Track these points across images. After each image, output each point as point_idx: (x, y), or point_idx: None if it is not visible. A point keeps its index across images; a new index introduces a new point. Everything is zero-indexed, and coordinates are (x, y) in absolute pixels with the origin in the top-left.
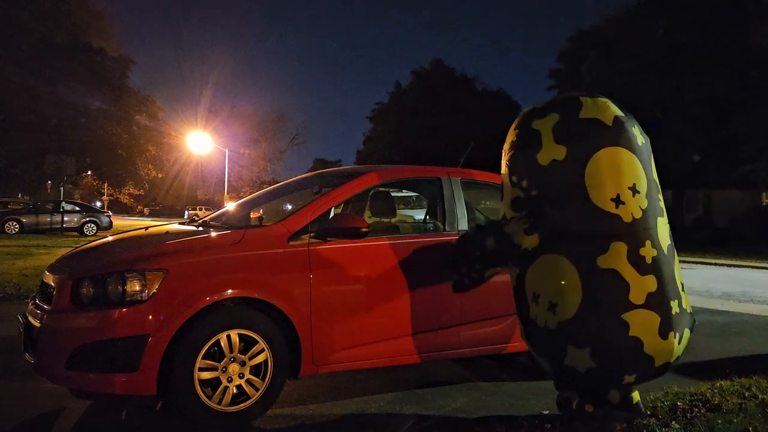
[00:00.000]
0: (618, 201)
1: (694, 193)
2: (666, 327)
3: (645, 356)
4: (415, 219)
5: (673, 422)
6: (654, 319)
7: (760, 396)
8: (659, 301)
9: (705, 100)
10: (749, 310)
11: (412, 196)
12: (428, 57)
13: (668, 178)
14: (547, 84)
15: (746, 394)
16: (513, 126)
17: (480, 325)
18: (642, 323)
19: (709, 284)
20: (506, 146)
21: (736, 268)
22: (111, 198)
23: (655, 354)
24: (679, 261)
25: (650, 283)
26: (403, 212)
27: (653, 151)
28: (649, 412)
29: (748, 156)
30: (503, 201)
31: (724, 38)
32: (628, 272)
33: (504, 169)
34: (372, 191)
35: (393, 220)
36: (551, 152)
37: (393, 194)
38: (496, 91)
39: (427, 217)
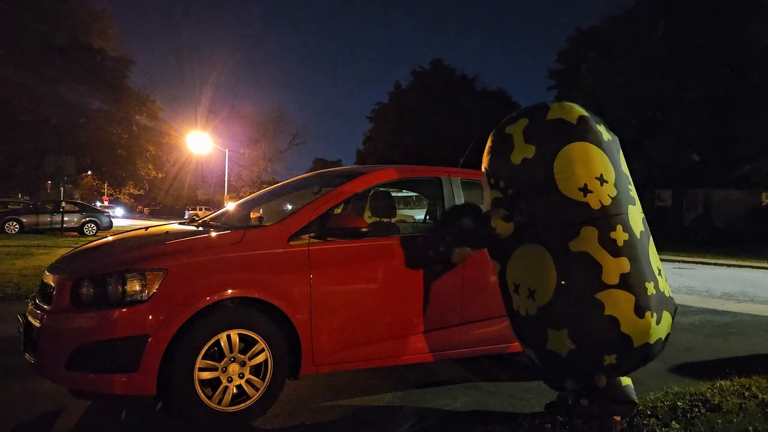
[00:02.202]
0: (586, 190)
1: (694, 193)
2: (642, 307)
3: (622, 335)
4: (415, 219)
5: (673, 422)
6: (629, 298)
7: (760, 396)
8: (634, 282)
9: (705, 99)
10: (749, 310)
11: (412, 196)
12: (428, 57)
13: (668, 178)
14: (547, 84)
15: (746, 394)
16: (491, 135)
17: (480, 325)
18: (616, 302)
19: (708, 284)
20: (485, 154)
21: (736, 268)
22: (111, 198)
23: (633, 333)
24: (680, 261)
25: (623, 264)
26: (403, 212)
27: (652, 152)
28: (649, 412)
29: (747, 156)
30: (484, 204)
31: (724, 38)
32: (600, 254)
33: (483, 173)
34: (372, 191)
35: (393, 220)
36: (522, 151)
37: (393, 194)
38: (496, 91)
39: (427, 217)
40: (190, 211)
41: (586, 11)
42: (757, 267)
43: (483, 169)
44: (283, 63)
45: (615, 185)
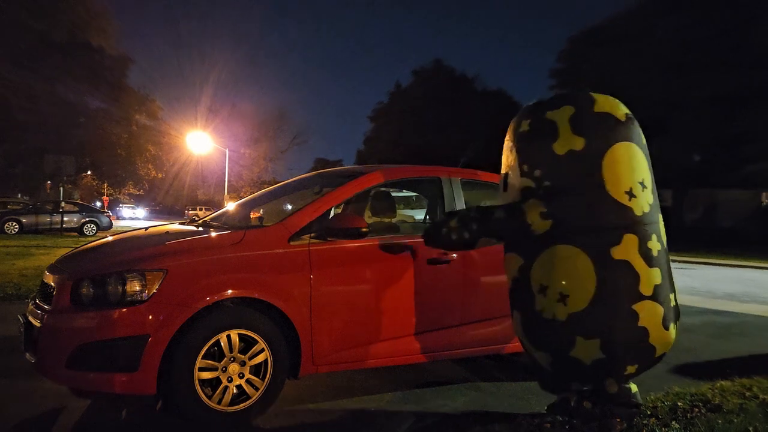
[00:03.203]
0: (631, 194)
1: (696, 193)
2: (667, 319)
3: (649, 347)
4: (415, 219)
5: (674, 422)
6: (659, 310)
7: (760, 396)
8: (662, 293)
9: (710, 99)
10: (751, 311)
11: (412, 196)
12: (429, 57)
13: (671, 177)
14: (548, 84)
15: (747, 394)
16: (520, 118)
17: (480, 326)
18: (649, 314)
19: (711, 284)
20: (514, 137)
21: (739, 269)
22: (111, 198)
23: (658, 345)
24: (682, 261)
25: (656, 275)
26: (403, 212)
27: (655, 151)
28: (649, 412)
29: (751, 156)
30: (506, 192)
31: (730, 36)
32: (639, 264)
33: (511, 159)
34: (372, 191)
35: (393, 220)
36: (569, 143)
37: (393, 194)
38: (497, 91)
39: (427, 217)
40: (190, 211)
41: (587, 11)
42: (759, 267)
43: (510, 154)
44: (283, 62)
45: (652, 191)
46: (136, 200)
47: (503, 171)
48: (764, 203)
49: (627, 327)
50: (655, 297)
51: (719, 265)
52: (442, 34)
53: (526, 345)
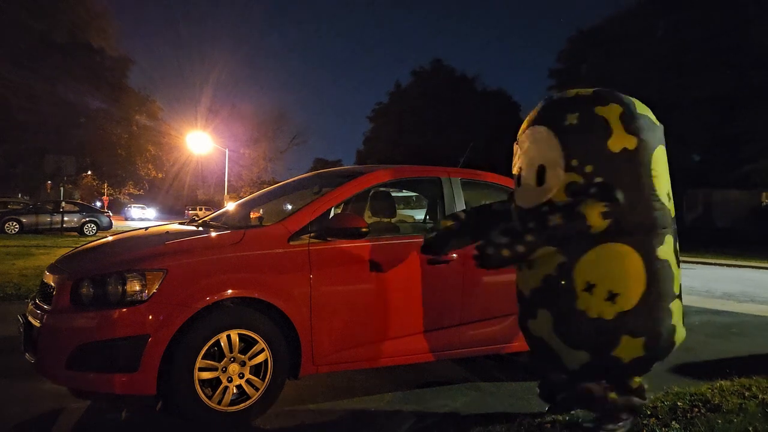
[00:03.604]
0: (669, 196)
1: (694, 192)
2: (683, 316)
3: (672, 343)
4: (415, 219)
5: (673, 422)
6: (682, 308)
7: (760, 396)
8: (681, 292)
9: (707, 99)
10: (750, 310)
11: (412, 196)
12: (428, 57)
13: (670, 177)
14: (547, 84)
15: (746, 394)
16: (562, 110)
17: (480, 326)
18: (677, 312)
19: (709, 284)
20: (555, 129)
21: (737, 268)
22: (111, 198)
23: (678, 341)
24: (681, 261)
25: (680, 274)
26: (403, 212)
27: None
28: (649, 412)
29: (749, 156)
30: (541, 186)
31: (728, 37)
32: (673, 263)
33: (551, 152)
34: (372, 191)
35: (393, 220)
36: (623, 140)
37: (393, 194)
38: (496, 91)
39: (427, 217)
40: (190, 211)
41: (586, 11)
42: (757, 267)
43: (547, 145)
44: (283, 62)
45: (672, 197)
46: (146, 200)
47: (535, 164)
48: (764, 203)
49: (667, 325)
50: (680, 295)
51: (718, 264)
52: (441, 34)
53: (555, 345)
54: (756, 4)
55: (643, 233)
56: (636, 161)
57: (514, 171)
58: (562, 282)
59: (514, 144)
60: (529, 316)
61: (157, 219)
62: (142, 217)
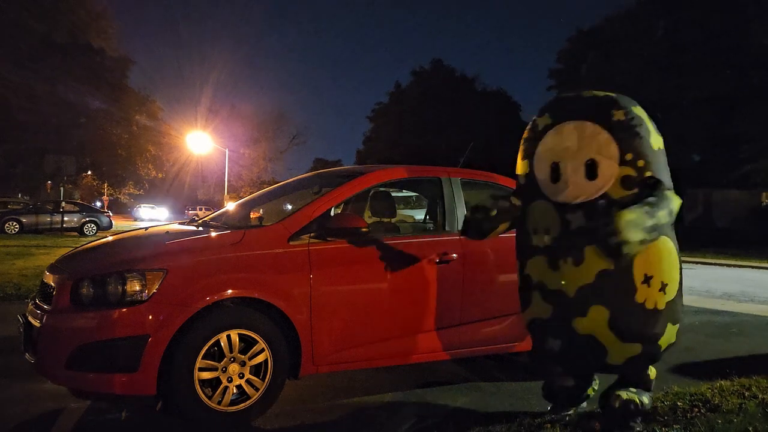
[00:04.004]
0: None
1: (694, 192)
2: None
3: None
4: (415, 219)
5: (673, 422)
6: None
7: (760, 396)
8: None
9: (706, 99)
10: (749, 310)
11: (412, 196)
12: (428, 57)
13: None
14: (547, 84)
15: (746, 394)
16: (608, 107)
17: (480, 326)
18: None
19: (709, 284)
20: (608, 125)
21: (737, 268)
22: (111, 198)
23: None
24: (681, 261)
25: None
26: (403, 212)
27: None
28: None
29: (748, 156)
30: (592, 181)
31: (726, 38)
32: None
33: (604, 146)
34: (372, 191)
35: (393, 220)
36: (657, 140)
37: (393, 194)
38: (496, 91)
39: (427, 217)
40: (190, 212)
41: (586, 11)
42: (757, 267)
43: (598, 140)
44: (283, 62)
45: None
46: (147, 199)
47: (582, 158)
48: (764, 203)
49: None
50: None
51: (718, 264)
52: (441, 34)
53: (606, 340)
54: (756, 4)
55: (673, 227)
56: (665, 159)
57: (542, 167)
58: (619, 277)
59: (525, 142)
60: (577, 314)
61: (168, 220)
62: (154, 219)
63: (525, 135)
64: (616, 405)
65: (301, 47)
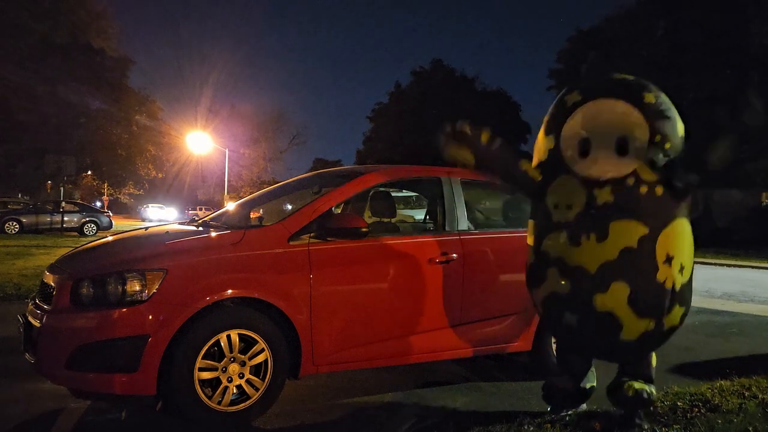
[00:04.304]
0: None
1: (694, 192)
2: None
3: None
4: (415, 219)
5: (673, 422)
6: None
7: (760, 396)
8: None
9: (706, 99)
10: (749, 310)
11: (412, 196)
12: (428, 57)
13: None
14: (547, 84)
15: (746, 394)
16: (640, 90)
17: (480, 326)
18: None
19: (709, 284)
20: (641, 106)
21: (737, 268)
22: (111, 198)
23: None
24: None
25: None
26: (403, 212)
27: None
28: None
29: (748, 155)
30: (623, 157)
31: (725, 38)
32: None
33: (636, 127)
34: (372, 191)
35: (393, 220)
36: (681, 127)
37: (393, 194)
38: (496, 91)
39: (427, 217)
40: (190, 212)
41: (586, 11)
42: (757, 267)
43: (631, 119)
44: (283, 63)
45: None
46: (161, 199)
47: (613, 135)
48: (764, 203)
49: None
50: None
51: (718, 264)
52: (441, 34)
53: (624, 316)
54: (756, 4)
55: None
56: (682, 146)
57: (570, 143)
58: (641, 254)
59: (551, 118)
60: (598, 290)
61: (177, 220)
62: (162, 218)
63: (551, 111)
64: (630, 394)
65: (301, 47)
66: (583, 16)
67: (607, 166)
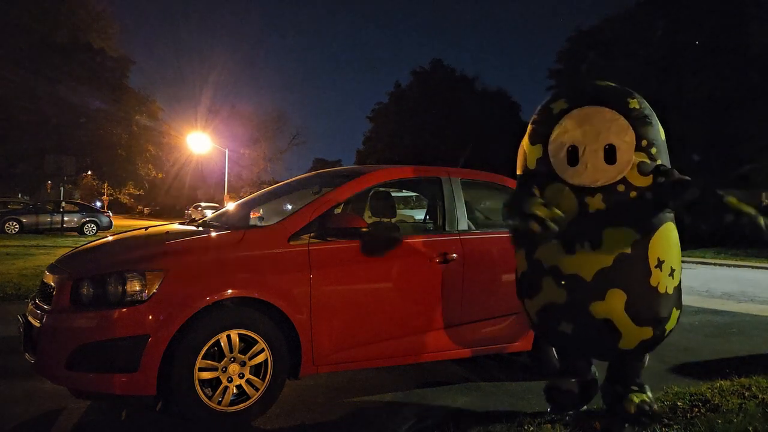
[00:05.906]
0: None
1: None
2: (680, 314)
3: None
4: (415, 219)
5: (673, 422)
6: None
7: (760, 396)
8: None
9: (705, 99)
10: (749, 310)
11: (412, 196)
12: (428, 57)
13: None
14: (547, 84)
15: (746, 394)
16: (624, 96)
17: (480, 326)
18: None
19: (709, 284)
20: (627, 113)
21: (736, 268)
22: (111, 198)
23: None
24: (681, 261)
25: None
26: (403, 212)
27: None
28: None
29: (748, 155)
30: (612, 165)
31: (724, 38)
32: None
33: (623, 133)
34: (372, 191)
35: (393, 220)
36: (662, 131)
37: (393, 194)
38: (496, 91)
39: (427, 217)
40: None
41: (586, 11)
42: (757, 267)
43: (618, 126)
44: (283, 63)
45: None
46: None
47: (602, 142)
48: (764, 203)
49: None
50: None
51: (718, 264)
52: (441, 34)
53: (622, 324)
54: (756, 4)
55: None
56: (666, 151)
57: (558, 151)
58: (636, 259)
59: (536, 126)
60: (595, 298)
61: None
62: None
63: (536, 118)
64: (633, 411)
65: (301, 47)
66: (583, 16)
67: (597, 174)
